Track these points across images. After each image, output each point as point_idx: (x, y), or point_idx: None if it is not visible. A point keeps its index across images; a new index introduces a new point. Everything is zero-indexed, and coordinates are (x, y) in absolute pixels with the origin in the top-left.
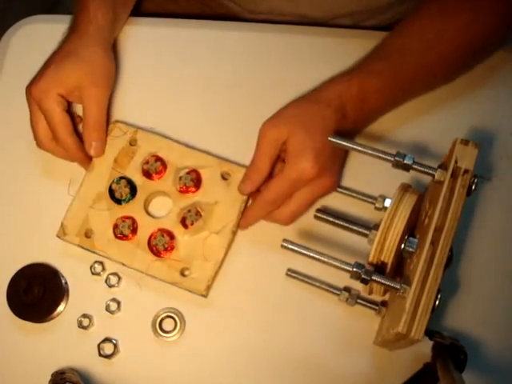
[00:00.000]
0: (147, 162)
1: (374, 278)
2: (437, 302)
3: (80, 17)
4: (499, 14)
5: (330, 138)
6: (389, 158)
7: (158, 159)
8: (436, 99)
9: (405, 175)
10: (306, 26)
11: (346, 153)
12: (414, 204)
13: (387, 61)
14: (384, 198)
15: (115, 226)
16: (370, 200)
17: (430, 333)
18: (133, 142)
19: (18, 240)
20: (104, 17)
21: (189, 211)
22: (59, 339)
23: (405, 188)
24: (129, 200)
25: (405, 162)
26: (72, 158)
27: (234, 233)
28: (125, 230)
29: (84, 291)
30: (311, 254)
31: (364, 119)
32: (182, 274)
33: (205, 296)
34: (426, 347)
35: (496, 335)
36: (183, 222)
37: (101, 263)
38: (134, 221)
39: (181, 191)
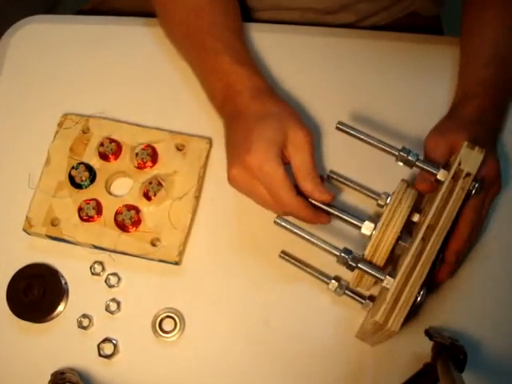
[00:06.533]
0: (102, 145)
1: (360, 265)
2: (418, 298)
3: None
4: None
5: (338, 125)
6: (394, 151)
7: (113, 141)
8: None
9: (408, 172)
10: (307, 25)
11: None
12: (412, 204)
13: (502, 72)
14: (387, 195)
15: (80, 210)
16: (374, 196)
17: (430, 333)
18: (85, 130)
19: (17, 240)
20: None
21: (150, 183)
22: (59, 339)
23: (405, 187)
24: (89, 184)
25: (409, 158)
26: (302, 217)
27: (197, 198)
28: (90, 211)
29: (84, 291)
30: (302, 234)
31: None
32: (153, 244)
33: (178, 263)
34: (426, 347)
35: (496, 335)
36: (146, 195)
37: (101, 263)
38: (98, 202)
39: (139, 167)
